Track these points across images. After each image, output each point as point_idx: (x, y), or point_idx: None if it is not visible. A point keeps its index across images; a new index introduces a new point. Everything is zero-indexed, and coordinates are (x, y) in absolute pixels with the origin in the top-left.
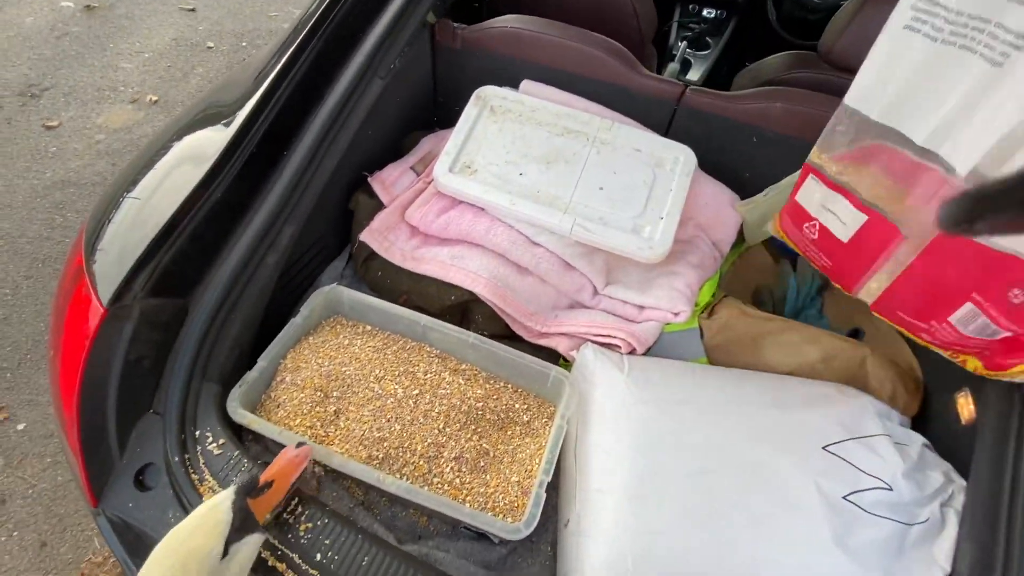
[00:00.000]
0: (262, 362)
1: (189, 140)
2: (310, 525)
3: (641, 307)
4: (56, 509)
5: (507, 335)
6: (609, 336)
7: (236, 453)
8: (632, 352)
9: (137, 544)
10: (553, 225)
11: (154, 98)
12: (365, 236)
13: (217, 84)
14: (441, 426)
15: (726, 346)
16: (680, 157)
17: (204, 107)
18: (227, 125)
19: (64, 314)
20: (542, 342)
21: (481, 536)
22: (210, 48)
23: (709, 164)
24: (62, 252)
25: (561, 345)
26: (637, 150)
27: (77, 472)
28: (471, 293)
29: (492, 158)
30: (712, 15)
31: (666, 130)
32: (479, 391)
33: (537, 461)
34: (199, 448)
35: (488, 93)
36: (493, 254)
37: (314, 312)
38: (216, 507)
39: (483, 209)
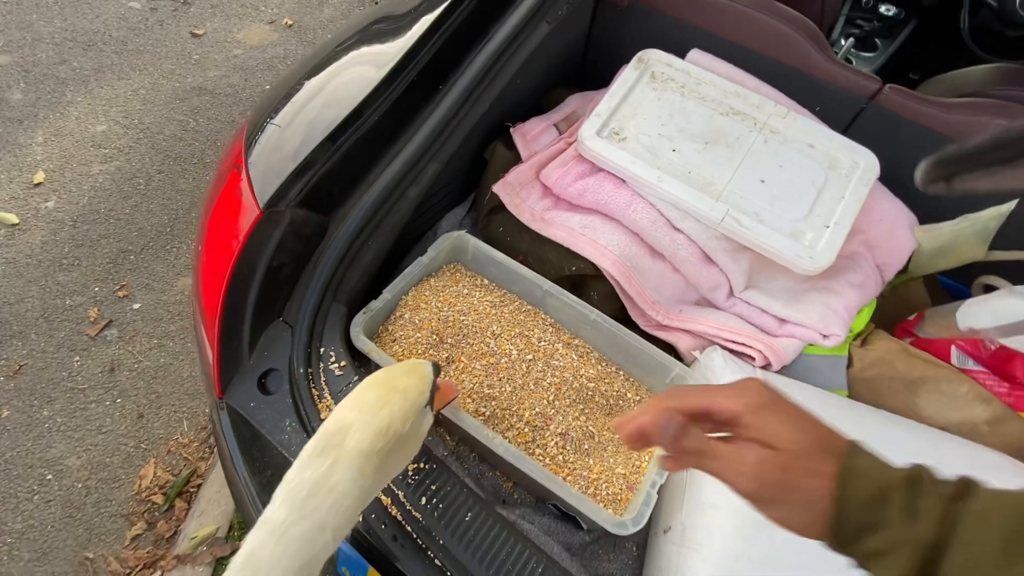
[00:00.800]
0: (387, 294)
1: (354, 56)
2: (418, 466)
3: (782, 320)
4: (156, 387)
5: (621, 319)
6: (744, 344)
7: (355, 378)
8: (765, 367)
9: (251, 442)
10: (702, 211)
11: (289, 22)
12: (498, 188)
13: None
14: (551, 398)
15: (876, 383)
16: (860, 162)
17: (374, 21)
18: (392, 47)
19: (218, 209)
20: (659, 334)
21: (566, 517)
22: None
23: (889, 176)
24: (192, 153)
25: (682, 342)
26: (811, 146)
27: (209, 362)
28: (594, 267)
29: (645, 128)
30: (890, 13)
31: (844, 129)
32: (591, 371)
33: (645, 457)
34: (322, 365)
35: (652, 57)
36: (627, 231)
37: (439, 255)
38: (422, 364)
39: (624, 181)
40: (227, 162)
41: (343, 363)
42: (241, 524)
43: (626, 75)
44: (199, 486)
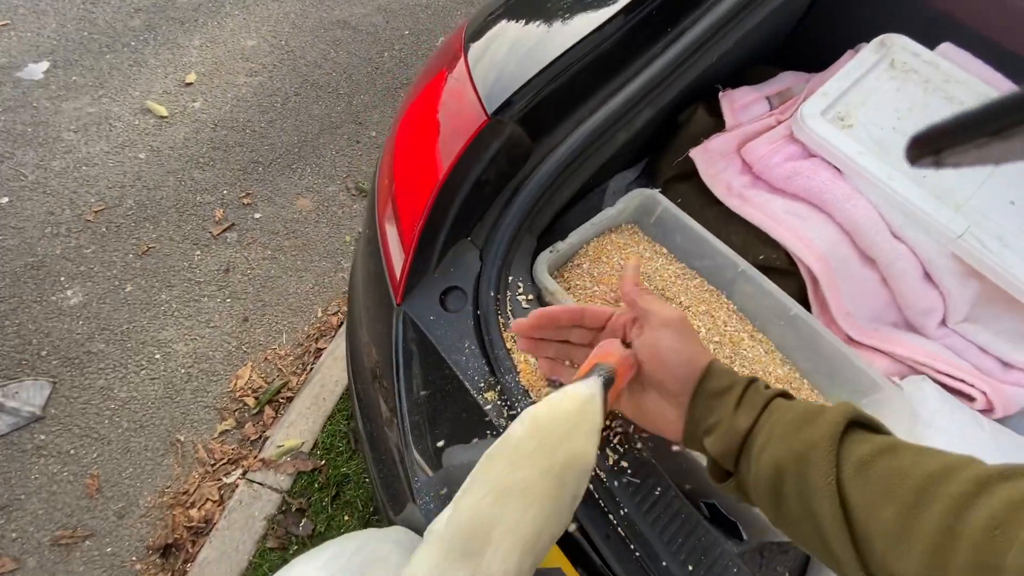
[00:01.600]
0: (572, 238)
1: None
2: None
3: (1008, 365)
4: (263, 296)
5: None
6: (962, 381)
7: None
8: (986, 411)
9: (421, 355)
10: (938, 222)
11: None
12: (696, 153)
13: None
14: None
15: None
16: None
17: None
18: None
19: (427, 107)
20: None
21: (718, 522)
22: None
23: None
24: (328, 83)
25: (876, 364)
26: None
27: (400, 266)
28: (787, 260)
29: (876, 118)
30: None
31: None
32: (780, 371)
33: None
34: (509, 294)
35: (895, 42)
36: (839, 228)
37: (625, 211)
38: (591, 400)
39: (841, 172)
40: (445, 59)
41: (530, 297)
42: (325, 444)
43: (862, 57)
44: (289, 398)
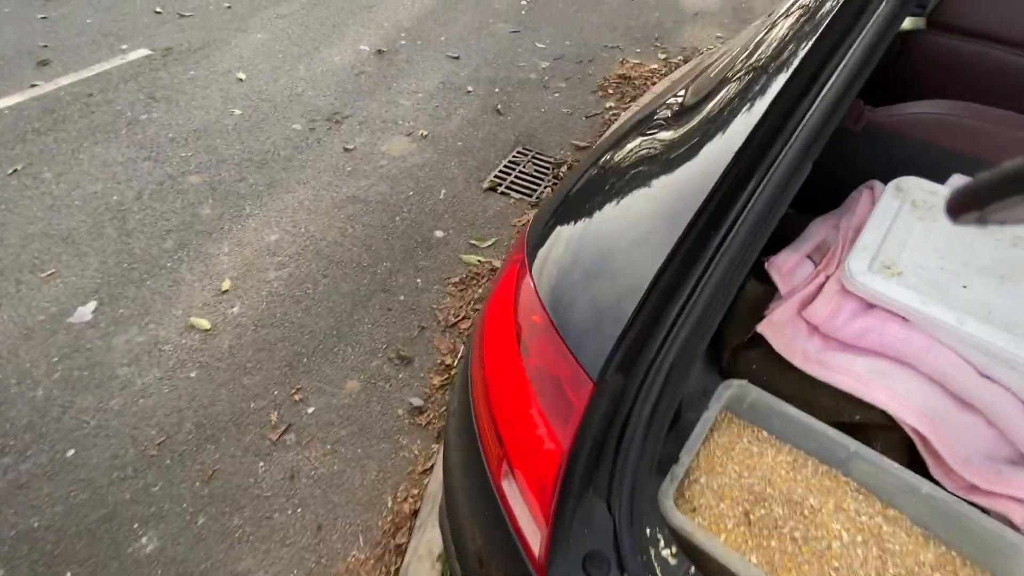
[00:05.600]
0: (684, 457)
1: (642, 220)
2: None
3: None
4: (331, 496)
5: None
6: None
7: (693, 569)
8: None
9: None
10: (1020, 355)
11: (424, 132)
12: (764, 328)
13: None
14: None
15: None
16: None
17: (651, 152)
18: (685, 202)
19: (540, 375)
20: (974, 499)
21: None
22: (469, 92)
23: None
24: (351, 258)
25: (1017, 513)
26: None
27: (538, 540)
28: (883, 416)
29: (921, 261)
30: None
31: None
32: (928, 555)
33: None
34: (652, 551)
35: (910, 185)
36: (926, 379)
37: (719, 407)
38: None
39: (908, 321)
40: (520, 316)
41: (673, 549)
42: None
43: (885, 205)
44: None
